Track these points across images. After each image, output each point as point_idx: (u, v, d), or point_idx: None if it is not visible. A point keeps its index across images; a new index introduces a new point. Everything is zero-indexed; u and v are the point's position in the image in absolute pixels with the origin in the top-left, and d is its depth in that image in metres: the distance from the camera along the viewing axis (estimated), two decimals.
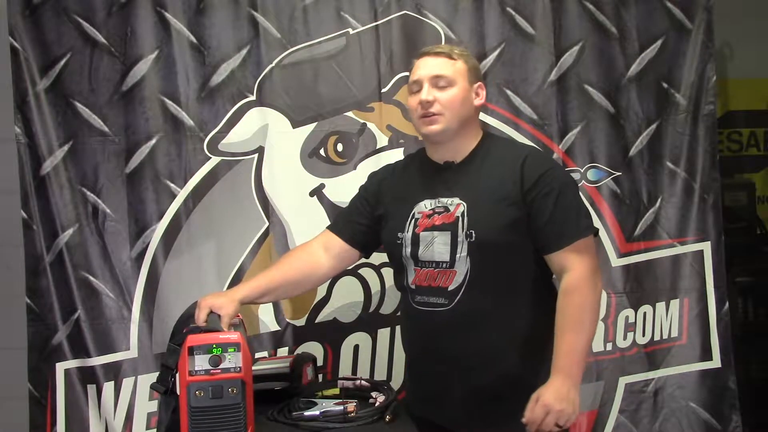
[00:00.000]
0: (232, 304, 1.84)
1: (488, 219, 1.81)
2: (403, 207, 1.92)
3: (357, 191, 2.09)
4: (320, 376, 2.32)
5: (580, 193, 1.96)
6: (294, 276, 2.00)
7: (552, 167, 1.87)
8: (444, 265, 1.83)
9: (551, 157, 2.34)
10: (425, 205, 1.88)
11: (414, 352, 1.97)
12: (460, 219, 1.82)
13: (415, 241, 1.87)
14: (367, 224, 2.01)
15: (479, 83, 1.93)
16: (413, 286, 1.89)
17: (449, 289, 1.82)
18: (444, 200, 1.86)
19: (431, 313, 1.84)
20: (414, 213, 1.89)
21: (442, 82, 1.86)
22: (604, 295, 2.43)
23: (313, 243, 2.05)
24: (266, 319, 2.42)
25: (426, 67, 1.89)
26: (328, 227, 2.09)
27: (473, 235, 1.80)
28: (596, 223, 2.33)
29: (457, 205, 1.84)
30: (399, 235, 1.90)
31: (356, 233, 2.02)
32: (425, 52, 1.93)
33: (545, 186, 1.80)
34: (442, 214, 1.85)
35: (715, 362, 2.52)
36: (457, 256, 1.81)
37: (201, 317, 1.81)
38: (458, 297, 1.81)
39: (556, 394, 1.70)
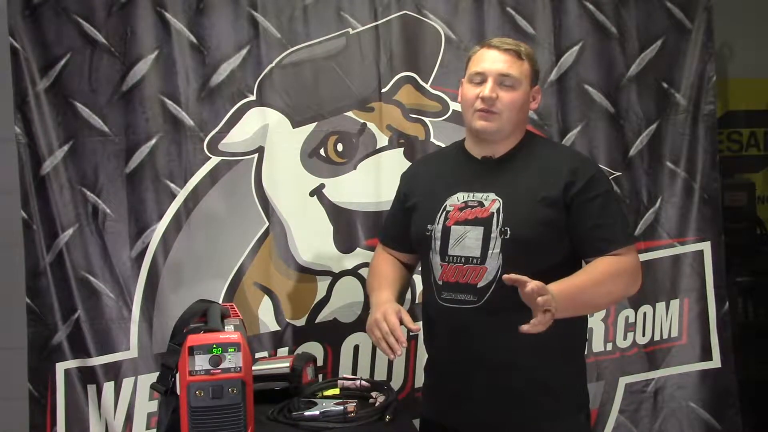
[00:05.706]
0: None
1: (525, 217, 1.78)
2: (434, 199, 1.88)
3: (395, 194, 2.07)
4: (320, 376, 2.32)
5: None
6: (402, 272, 2.03)
7: (599, 171, 1.87)
8: (474, 260, 1.79)
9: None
10: (458, 198, 1.85)
11: (438, 350, 1.93)
12: (495, 215, 1.79)
13: (445, 234, 1.83)
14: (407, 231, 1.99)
15: (537, 87, 1.91)
16: (440, 282, 1.84)
17: (478, 285, 1.78)
18: (479, 195, 1.83)
19: (458, 310, 1.79)
20: (446, 206, 1.85)
21: (508, 82, 1.82)
22: None
23: (383, 253, 2.08)
24: (266, 319, 2.42)
25: (493, 61, 1.83)
26: (380, 241, 2.12)
27: (508, 231, 1.77)
28: None
29: (492, 201, 1.81)
30: (429, 227, 1.86)
31: (405, 244, 2.01)
32: (494, 45, 1.86)
33: (593, 190, 1.79)
34: (475, 209, 1.82)
35: (715, 362, 2.52)
36: (489, 252, 1.78)
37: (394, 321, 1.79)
38: (488, 294, 1.77)
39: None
